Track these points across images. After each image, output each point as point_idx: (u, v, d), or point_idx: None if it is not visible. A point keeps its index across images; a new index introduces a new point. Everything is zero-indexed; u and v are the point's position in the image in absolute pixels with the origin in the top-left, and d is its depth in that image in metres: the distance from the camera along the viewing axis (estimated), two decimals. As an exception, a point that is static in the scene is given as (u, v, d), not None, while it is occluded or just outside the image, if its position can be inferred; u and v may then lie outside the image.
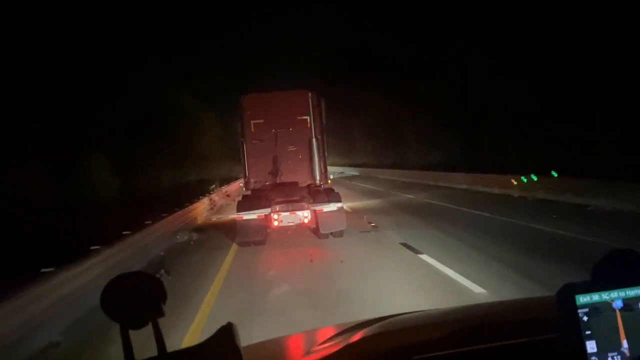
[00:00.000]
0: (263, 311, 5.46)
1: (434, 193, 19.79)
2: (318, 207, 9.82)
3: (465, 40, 22.69)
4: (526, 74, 18.57)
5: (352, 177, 40.09)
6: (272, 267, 8.34)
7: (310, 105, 10.67)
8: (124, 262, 7.42)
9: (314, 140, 10.59)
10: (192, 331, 4.93)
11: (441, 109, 27.34)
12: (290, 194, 10.14)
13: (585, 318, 0.97)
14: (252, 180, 10.91)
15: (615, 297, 0.99)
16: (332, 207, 9.80)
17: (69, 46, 14.94)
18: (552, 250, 7.32)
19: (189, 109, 26.24)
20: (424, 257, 7.73)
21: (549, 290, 1.11)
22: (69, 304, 5.45)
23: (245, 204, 9.90)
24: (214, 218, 15.88)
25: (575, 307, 0.98)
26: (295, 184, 10.52)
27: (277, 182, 10.63)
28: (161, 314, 0.96)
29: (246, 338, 1.08)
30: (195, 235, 11.67)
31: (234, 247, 9.93)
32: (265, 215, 9.75)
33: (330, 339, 1.36)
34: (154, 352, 0.95)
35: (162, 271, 10.54)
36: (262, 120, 10.70)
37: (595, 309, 0.98)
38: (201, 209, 15.77)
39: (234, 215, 10.08)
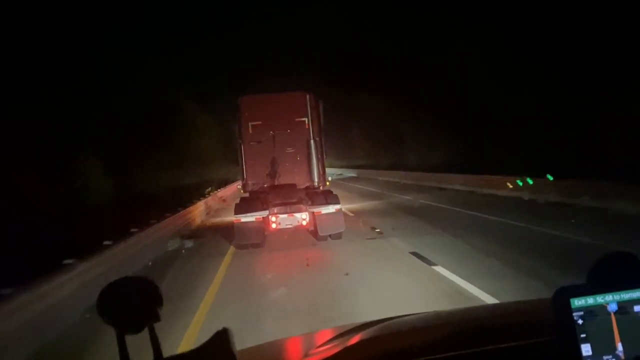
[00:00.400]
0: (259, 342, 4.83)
1: (437, 195, 19.01)
2: (316, 209, 9.81)
3: (465, 41, 22.66)
4: (526, 74, 18.55)
5: (352, 179, 39.48)
6: (270, 284, 7.21)
7: (308, 107, 10.65)
8: (98, 280, 6.26)
9: (312, 141, 10.57)
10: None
11: (441, 110, 27.19)
12: (288, 196, 10.12)
13: (580, 321, 0.98)
14: (250, 182, 10.88)
15: (610, 300, 0.99)
16: (331, 209, 9.79)
17: (63, 44, 14.78)
18: (585, 263, 6.38)
19: (186, 110, 26.16)
20: (439, 269, 6.86)
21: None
22: (24, 336, 4.54)
23: (243, 206, 9.88)
24: (209, 223, 15.21)
25: (570, 310, 0.98)
26: (293, 186, 10.50)
27: (275, 184, 10.60)
28: (157, 318, 0.96)
29: None
30: (187, 243, 11.02)
31: (228, 256, 9.34)
32: (263, 217, 9.72)
33: (328, 341, 1.36)
34: (150, 358, 0.95)
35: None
36: (259, 122, 10.68)
37: (590, 312, 0.98)
38: (196, 214, 15.17)
39: (232, 218, 10.02)
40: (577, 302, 0.98)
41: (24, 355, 4.51)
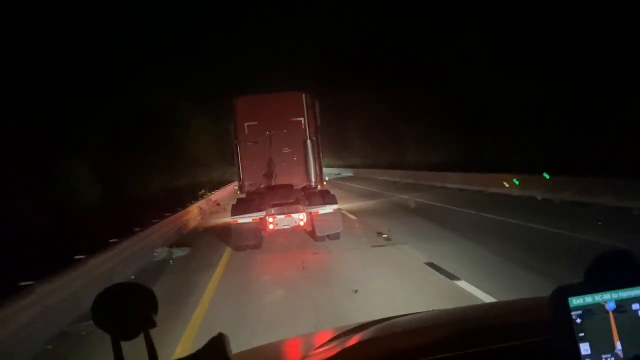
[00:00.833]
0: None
1: (442, 195, 18.10)
2: (314, 210, 9.79)
3: (465, 38, 22.64)
4: (527, 72, 18.53)
5: (350, 179, 38.83)
6: (268, 307, 5.98)
7: (304, 106, 10.64)
8: (62, 305, 5.54)
9: (308, 141, 10.56)
10: None
11: (441, 108, 27.07)
12: (285, 197, 10.10)
13: (578, 320, 0.97)
14: (246, 183, 10.86)
15: (608, 298, 0.99)
16: (328, 209, 9.78)
17: (53, 43, 14.57)
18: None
19: (180, 111, 26.04)
20: (464, 285, 5.89)
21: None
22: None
23: (240, 207, 9.85)
24: (201, 228, 14.31)
25: (568, 309, 0.98)
26: (290, 186, 10.49)
27: (272, 184, 10.59)
28: (153, 324, 0.95)
29: None
30: (176, 252, 10.13)
31: (220, 267, 8.49)
32: (260, 218, 9.70)
33: (327, 343, 1.36)
34: None
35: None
36: (255, 122, 10.66)
37: (588, 311, 0.98)
38: (187, 218, 14.35)
39: (227, 220, 9.95)
40: (575, 301, 0.98)
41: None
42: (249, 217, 9.57)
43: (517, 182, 15.86)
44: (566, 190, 13.31)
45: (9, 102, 11.64)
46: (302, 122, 10.65)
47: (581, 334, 0.97)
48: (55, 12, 15.32)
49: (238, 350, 1.35)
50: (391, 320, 1.47)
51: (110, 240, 8.11)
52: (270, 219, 9.81)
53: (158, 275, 8.27)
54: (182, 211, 14.11)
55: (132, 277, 8.22)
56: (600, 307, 0.98)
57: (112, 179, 15.63)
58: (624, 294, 0.99)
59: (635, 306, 0.99)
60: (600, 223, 9.45)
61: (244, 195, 10.90)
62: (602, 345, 0.97)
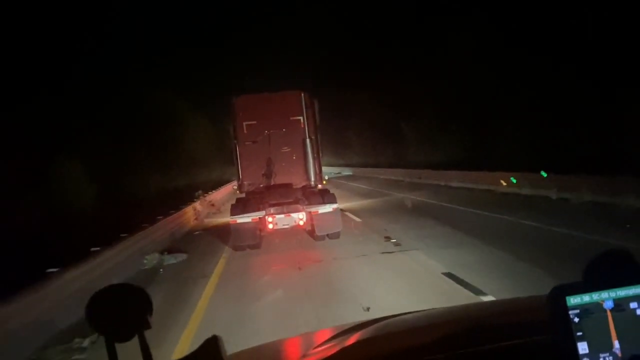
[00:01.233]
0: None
1: (450, 195, 17.26)
2: (313, 209, 9.78)
3: (465, 36, 22.59)
4: (529, 69, 18.48)
5: (351, 178, 38.18)
6: (267, 327, 5.17)
7: (303, 106, 10.64)
8: (28, 329, 4.86)
9: (307, 140, 10.56)
10: None
11: (442, 106, 26.90)
12: (284, 196, 10.09)
13: (576, 319, 0.97)
14: (245, 182, 10.86)
15: (606, 297, 0.99)
16: (328, 208, 9.77)
17: (49, 43, 14.46)
18: None
19: (178, 111, 25.98)
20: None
21: None
22: None
23: (239, 207, 9.84)
24: (196, 232, 13.39)
25: (566, 308, 0.97)
26: (289, 185, 10.48)
27: (271, 184, 10.58)
28: (147, 326, 0.95)
29: None
30: (167, 259, 9.41)
31: (214, 278, 7.72)
32: (259, 218, 9.70)
33: (326, 341, 1.36)
34: None
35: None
36: (254, 122, 10.65)
37: (586, 310, 0.98)
38: (181, 221, 13.60)
39: (224, 220, 9.86)
40: (572, 300, 0.98)
41: None
42: (249, 216, 9.56)
43: (514, 181, 15.69)
44: (583, 189, 12.37)
45: (7, 102, 11.56)
46: (301, 121, 10.64)
47: (579, 333, 0.97)
48: (54, 12, 15.28)
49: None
50: (390, 319, 1.47)
51: (92, 249, 7.29)
52: (270, 219, 9.79)
53: (145, 287, 6.98)
54: (176, 213, 13.46)
55: None
56: (598, 306, 0.98)
57: (109, 180, 15.45)
58: (622, 292, 0.99)
59: (633, 305, 0.99)
60: (629, 226, 8.50)
61: (243, 195, 10.90)
62: (600, 344, 0.97)
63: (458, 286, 5.90)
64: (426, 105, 29.25)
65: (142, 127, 19.59)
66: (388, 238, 9.62)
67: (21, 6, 13.65)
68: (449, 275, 6.34)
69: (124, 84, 18.82)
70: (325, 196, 10.08)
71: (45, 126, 13.02)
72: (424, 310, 1.64)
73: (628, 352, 0.96)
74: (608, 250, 1.02)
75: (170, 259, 9.46)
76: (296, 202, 9.99)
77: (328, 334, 1.44)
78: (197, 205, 17.04)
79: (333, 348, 1.23)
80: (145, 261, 9.14)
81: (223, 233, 11.66)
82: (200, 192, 19.17)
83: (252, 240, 9.67)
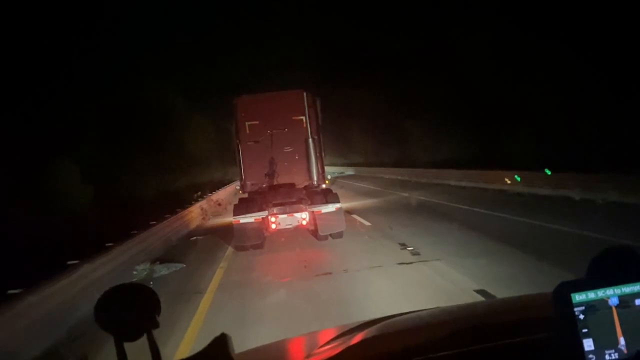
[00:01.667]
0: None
1: (464, 195, 16.35)
2: (316, 209, 9.77)
3: (471, 32, 22.42)
4: (534, 65, 18.33)
5: (354, 178, 37.40)
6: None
7: (306, 105, 10.62)
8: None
9: (310, 140, 10.55)
10: None
11: (448, 104, 26.56)
12: (287, 196, 10.07)
13: (581, 316, 0.97)
14: (248, 182, 10.86)
15: (611, 294, 0.99)
16: (331, 208, 9.76)
17: (45, 42, 14.35)
18: None
19: (179, 111, 25.92)
20: None
21: None
22: None
23: (242, 207, 9.84)
24: (192, 238, 12.40)
25: (571, 305, 0.97)
26: (292, 185, 10.48)
27: (274, 184, 10.58)
28: (156, 325, 0.96)
29: None
30: (159, 269, 8.50)
31: (209, 294, 6.80)
32: (262, 218, 9.69)
33: (330, 341, 1.36)
34: None
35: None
36: (257, 122, 10.65)
37: (591, 307, 0.98)
38: (177, 225, 12.66)
39: (225, 222, 9.77)
40: (578, 297, 0.98)
41: None
42: (251, 216, 9.56)
43: (518, 179, 15.53)
44: (608, 189, 11.54)
45: (5, 102, 11.50)
46: (304, 120, 10.64)
47: (584, 330, 0.97)
48: (51, 12, 15.24)
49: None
50: (395, 318, 1.48)
51: (69, 263, 6.37)
52: (273, 219, 9.79)
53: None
54: (172, 217, 12.53)
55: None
56: (603, 302, 0.98)
57: (108, 181, 15.28)
58: (627, 289, 0.99)
59: (638, 301, 0.99)
60: None
61: (246, 195, 10.90)
62: (605, 340, 0.97)
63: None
64: (430, 102, 29.01)
65: (142, 127, 19.53)
66: (404, 246, 8.62)
67: (19, 6, 13.64)
68: (482, 293, 5.31)
69: (124, 84, 18.80)
70: (328, 196, 10.07)
71: (44, 126, 12.95)
72: (429, 308, 1.64)
73: (633, 349, 0.97)
74: (613, 247, 1.03)
75: (162, 270, 8.48)
76: (299, 201, 9.97)
77: (332, 334, 1.45)
78: (197, 207, 16.37)
79: (338, 347, 1.23)
80: (135, 272, 8.27)
81: (224, 236, 11.36)
82: (199, 193, 18.90)
83: (255, 240, 9.66)
